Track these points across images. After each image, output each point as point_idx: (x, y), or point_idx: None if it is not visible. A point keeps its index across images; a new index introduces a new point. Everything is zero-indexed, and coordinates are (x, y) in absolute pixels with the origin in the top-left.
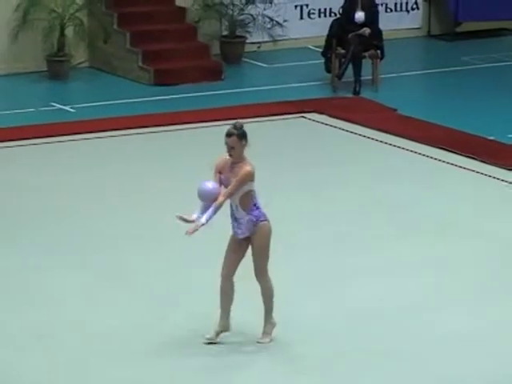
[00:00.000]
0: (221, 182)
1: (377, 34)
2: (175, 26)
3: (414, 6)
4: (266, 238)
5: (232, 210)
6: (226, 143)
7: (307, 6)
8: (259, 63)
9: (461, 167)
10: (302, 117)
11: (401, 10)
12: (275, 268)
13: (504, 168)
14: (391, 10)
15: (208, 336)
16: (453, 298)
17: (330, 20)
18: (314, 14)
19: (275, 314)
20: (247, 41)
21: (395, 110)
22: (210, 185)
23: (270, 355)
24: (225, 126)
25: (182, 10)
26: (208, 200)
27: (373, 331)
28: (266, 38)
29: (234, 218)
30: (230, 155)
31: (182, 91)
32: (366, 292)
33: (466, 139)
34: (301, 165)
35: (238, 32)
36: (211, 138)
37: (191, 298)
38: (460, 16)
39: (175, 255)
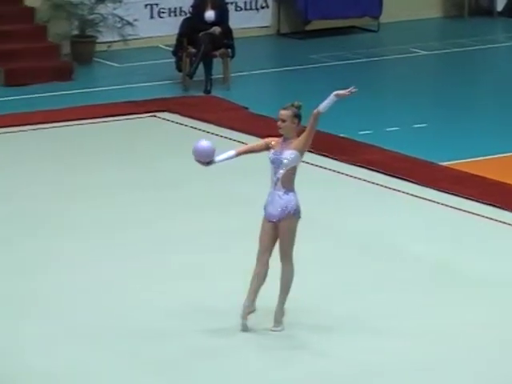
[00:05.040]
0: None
1: (227, 32)
2: (24, 26)
3: (264, 5)
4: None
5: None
6: (280, 115)
7: (157, 5)
8: (110, 63)
9: (313, 165)
10: (154, 116)
11: (250, 8)
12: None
13: (355, 165)
14: (241, 9)
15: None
16: None
17: (180, 19)
18: (164, 12)
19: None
20: (98, 40)
21: (246, 108)
22: (205, 143)
23: None
24: (77, 126)
25: (31, 9)
26: (202, 157)
27: None
28: (117, 38)
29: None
30: (279, 128)
31: (33, 91)
32: None
33: (317, 137)
34: (154, 163)
35: (89, 32)
36: (63, 138)
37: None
38: (309, 14)
39: None
